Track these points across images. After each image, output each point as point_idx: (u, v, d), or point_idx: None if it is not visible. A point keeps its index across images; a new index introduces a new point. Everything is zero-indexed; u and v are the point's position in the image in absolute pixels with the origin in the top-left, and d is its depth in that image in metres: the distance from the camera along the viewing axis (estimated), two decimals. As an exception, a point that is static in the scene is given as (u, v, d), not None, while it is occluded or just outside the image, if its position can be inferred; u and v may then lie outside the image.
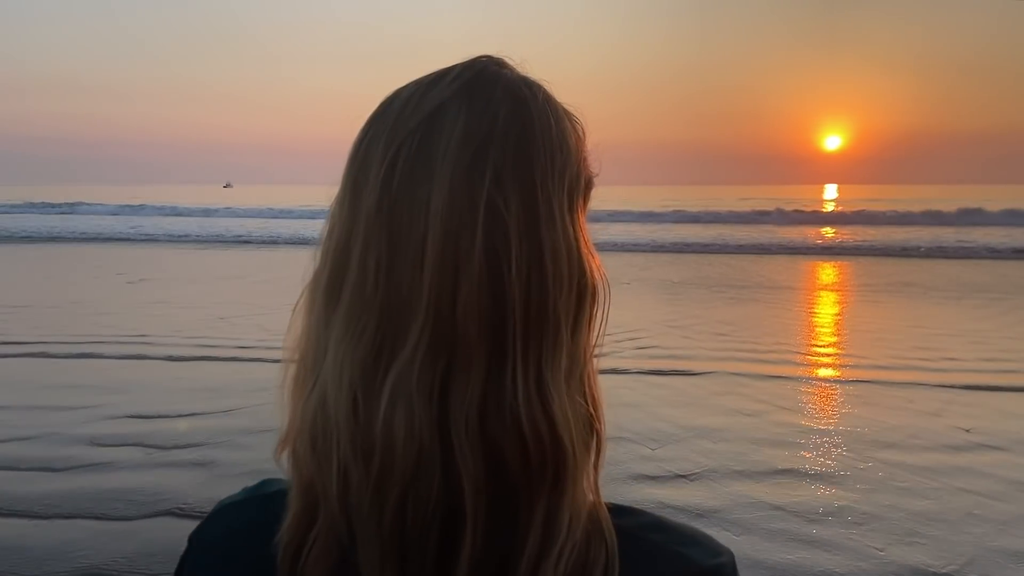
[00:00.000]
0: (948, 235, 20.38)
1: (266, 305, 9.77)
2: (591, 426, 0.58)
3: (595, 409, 0.58)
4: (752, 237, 20.69)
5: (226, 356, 6.94)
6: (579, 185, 0.58)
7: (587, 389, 0.58)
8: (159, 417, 5.17)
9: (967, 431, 4.90)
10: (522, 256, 0.52)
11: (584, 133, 0.62)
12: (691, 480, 4.08)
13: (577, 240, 0.55)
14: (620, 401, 5.49)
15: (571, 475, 0.55)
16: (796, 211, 28.30)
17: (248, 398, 5.50)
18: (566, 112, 0.60)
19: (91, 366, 6.64)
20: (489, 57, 0.60)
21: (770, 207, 30.70)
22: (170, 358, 6.86)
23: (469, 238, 0.51)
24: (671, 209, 29.09)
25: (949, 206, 27.04)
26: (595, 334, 0.59)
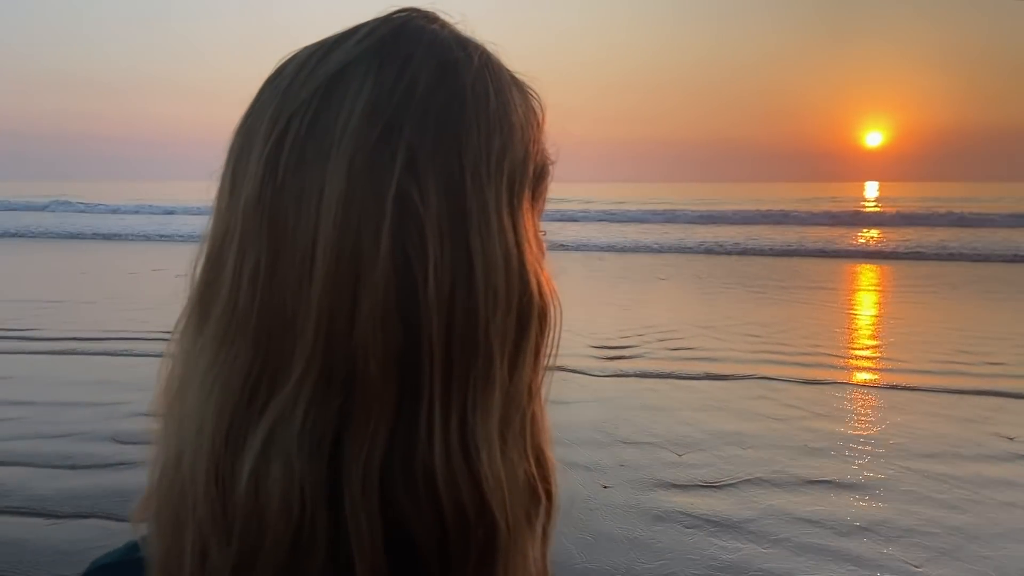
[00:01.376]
0: (994, 235, 19.74)
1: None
2: (534, 491, 0.45)
3: (541, 467, 0.46)
4: (789, 236, 20.28)
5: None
6: (525, 174, 0.46)
7: (530, 441, 0.46)
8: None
9: (1011, 440, 4.66)
10: (443, 265, 0.41)
11: (540, 110, 0.50)
12: (718, 488, 3.93)
13: (519, 245, 0.44)
14: (646, 404, 5.35)
15: (503, 555, 0.43)
16: (838, 211, 27.71)
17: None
18: (513, 81, 0.49)
19: (119, 363, 6.69)
20: (415, 9, 0.48)
21: (810, 206, 30.11)
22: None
23: (372, 241, 0.41)
24: (709, 208, 28.69)
25: (996, 205, 26.20)
26: (542, 368, 0.47)
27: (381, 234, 0.41)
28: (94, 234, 22.18)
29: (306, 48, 0.47)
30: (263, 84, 0.47)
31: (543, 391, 0.48)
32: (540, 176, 0.49)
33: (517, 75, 0.50)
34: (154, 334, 7.70)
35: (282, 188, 0.42)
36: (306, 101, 0.43)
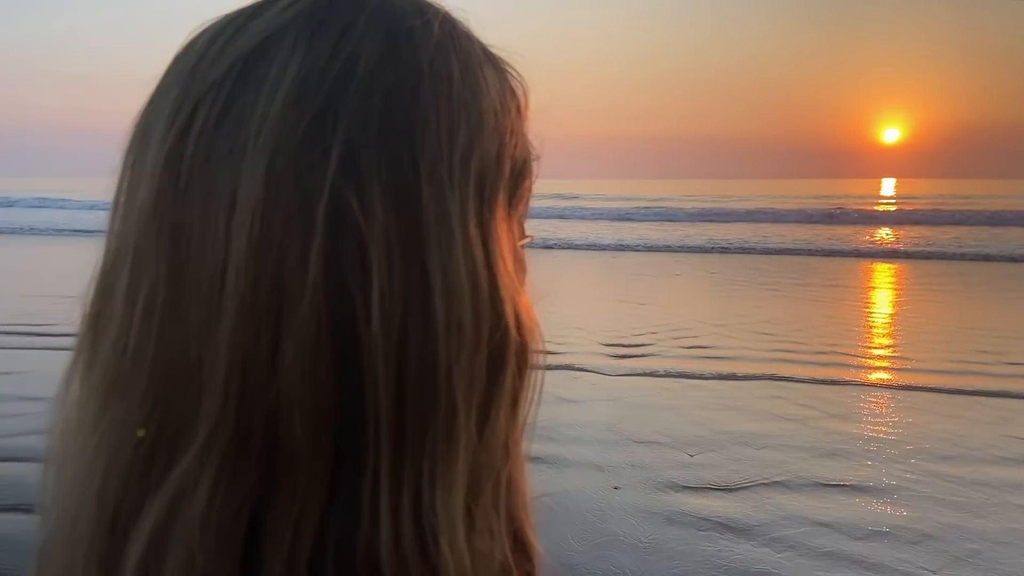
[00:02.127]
0: (1009, 233, 19.47)
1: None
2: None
3: (521, 549, 0.39)
4: (803, 234, 20.11)
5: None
6: (499, 174, 0.38)
7: (505, 516, 0.38)
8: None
9: (1032, 444, 4.57)
10: (391, 295, 0.33)
11: (522, 93, 0.42)
12: (730, 491, 3.87)
13: (491, 266, 0.36)
14: (657, 403, 5.29)
15: None
16: (854, 208, 27.46)
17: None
18: (486, 57, 0.40)
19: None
20: None
21: (826, 204, 29.86)
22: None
23: (298, 264, 0.32)
24: (723, 206, 28.52)
25: (1015, 203, 25.84)
26: (521, 420, 0.39)
27: (310, 255, 0.32)
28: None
29: (225, 16, 0.38)
30: (171, 61, 0.38)
31: (523, 446, 0.39)
32: (519, 176, 0.40)
33: (492, 50, 0.41)
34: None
35: (185, 195, 0.34)
36: (217, 83, 0.35)
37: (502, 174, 0.38)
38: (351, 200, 0.33)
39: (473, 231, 0.36)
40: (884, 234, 20.92)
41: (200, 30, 0.38)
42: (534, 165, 0.45)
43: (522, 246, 0.44)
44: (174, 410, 0.33)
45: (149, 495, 0.33)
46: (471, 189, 0.36)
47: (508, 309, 0.36)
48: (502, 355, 0.36)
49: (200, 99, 0.35)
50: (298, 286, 0.32)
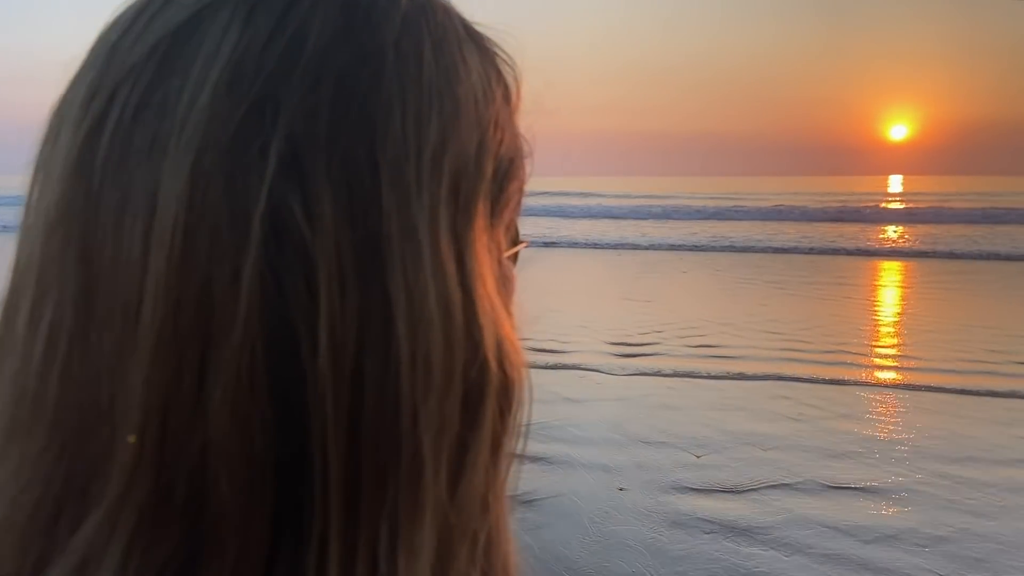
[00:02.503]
0: (1020, 231, 19.31)
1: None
2: None
3: None
4: (810, 232, 20.01)
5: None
6: (479, 175, 0.32)
7: None
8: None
9: (1045, 445, 4.50)
10: (344, 323, 0.28)
11: (513, 79, 0.37)
12: (738, 493, 3.81)
13: (468, 287, 0.31)
14: (663, 403, 5.24)
15: None
16: (862, 205, 27.32)
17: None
18: (468, 34, 0.35)
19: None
20: None
21: (832, 201, 29.72)
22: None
23: (228, 285, 0.27)
24: (726, 204, 28.45)
25: (1022, 201, 25.64)
26: (504, 467, 0.33)
27: (242, 275, 0.27)
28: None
29: None
30: (95, 40, 0.32)
31: (505, 500, 0.33)
32: (505, 177, 0.35)
33: (476, 27, 0.35)
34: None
35: (96, 200, 0.28)
36: (138, 66, 0.29)
37: (483, 175, 0.32)
38: (294, 208, 0.28)
39: (445, 244, 0.30)
40: (892, 232, 20.80)
41: (121, 10, 0.32)
42: (526, 164, 0.39)
43: (509, 259, 0.39)
44: (82, 460, 0.28)
45: (50, 561, 0.27)
46: (444, 193, 0.30)
47: (488, 338, 0.31)
48: (480, 395, 0.31)
49: (118, 84, 0.29)
50: (228, 313, 0.27)
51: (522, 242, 0.48)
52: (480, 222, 0.32)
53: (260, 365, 0.27)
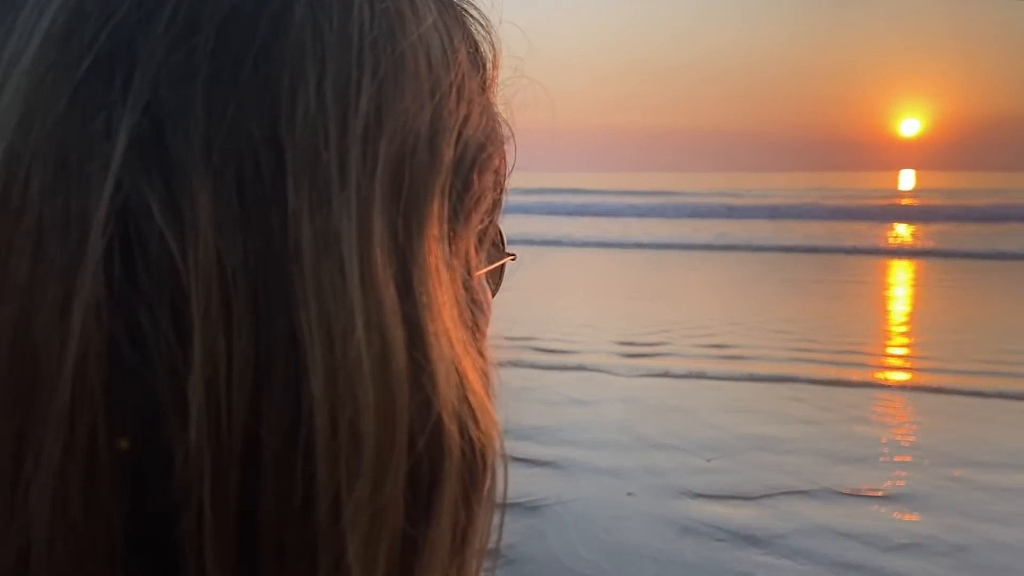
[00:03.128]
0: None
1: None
2: None
3: None
4: (821, 230, 19.87)
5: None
6: (435, 164, 0.24)
7: None
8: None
9: (1066, 448, 4.38)
10: (229, 376, 0.20)
11: (488, 42, 0.29)
12: (749, 498, 3.71)
13: (417, 320, 0.23)
14: (672, 405, 5.14)
15: None
16: (874, 204, 27.13)
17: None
18: None
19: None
20: None
21: (844, 199, 29.53)
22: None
23: (53, 319, 0.19)
24: (735, 202, 28.32)
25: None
26: (473, 566, 0.26)
27: (73, 307, 0.19)
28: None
29: None
30: None
31: None
32: (474, 166, 0.27)
33: None
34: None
35: None
36: None
37: (437, 163, 0.24)
38: (153, 208, 0.20)
39: (381, 260, 0.22)
40: (905, 230, 20.64)
41: None
42: (506, 151, 0.31)
43: (486, 278, 0.30)
44: None
45: None
46: (379, 188, 0.22)
47: (445, 392, 0.23)
48: (434, 474, 0.23)
49: None
50: (52, 364, 0.19)
51: (508, 255, 0.39)
52: (434, 228, 0.24)
53: (101, 442, 0.19)
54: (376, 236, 0.22)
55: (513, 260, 0.38)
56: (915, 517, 3.53)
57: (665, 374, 5.93)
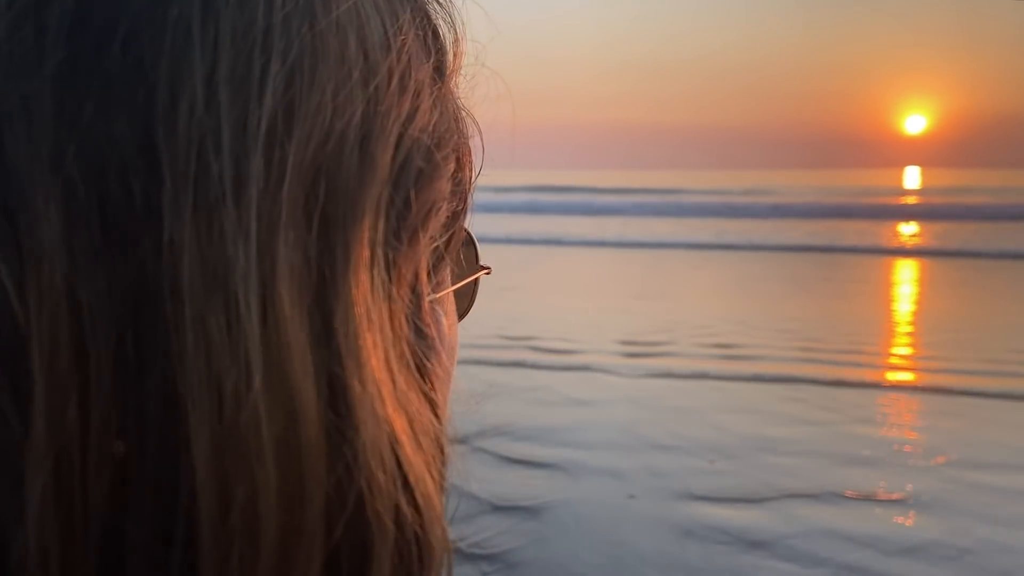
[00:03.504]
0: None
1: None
2: None
3: None
4: (825, 229, 19.78)
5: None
6: (365, 177, 0.20)
7: None
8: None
9: (1073, 450, 4.32)
10: (85, 456, 0.16)
11: (450, 29, 0.26)
12: (752, 501, 3.67)
13: (340, 375, 0.19)
14: (675, 406, 5.09)
15: None
16: (879, 203, 27.03)
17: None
18: None
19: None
20: None
21: (847, 197, 29.42)
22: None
23: None
24: (739, 200, 28.25)
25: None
26: None
27: None
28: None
29: None
30: None
31: None
32: (422, 174, 0.22)
33: None
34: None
35: None
36: None
37: (371, 173, 0.20)
38: None
39: (289, 298, 0.18)
40: (910, 229, 20.54)
41: None
42: (470, 154, 0.27)
43: (446, 304, 0.26)
44: None
45: None
46: (287, 207, 0.18)
47: (372, 463, 0.19)
48: (359, 568, 0.19)
49: None
50: None
51: (481, 269, 0.34)
52: (362, 253, 0.19)
53: None
54: (282, 266, 0.17)
55: (488, 274, 0.33)
56: (920, 520, 3.48)
57: (668, 374, 5.88)
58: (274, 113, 0.18)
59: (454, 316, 0.31)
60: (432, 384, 0.23)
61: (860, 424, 4.75)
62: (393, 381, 0.20)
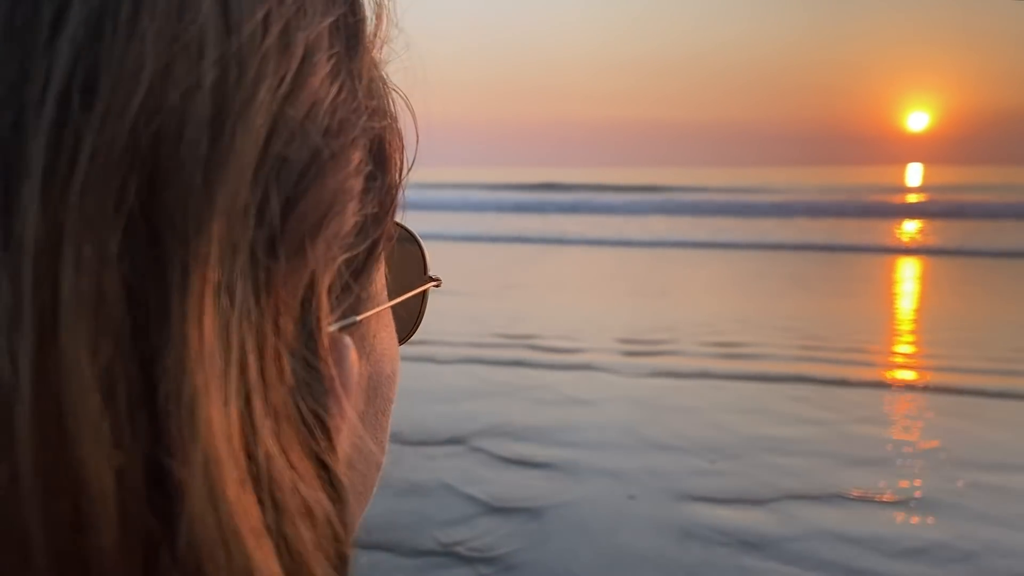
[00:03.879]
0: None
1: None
2: None
3: None
4: (828, 228, 19.73)
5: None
6: (224, 171, 0.14)
7: None
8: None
9: (1079, 450, 4.27)
10: None
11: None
12: (753, 502, 3.62)
13: (168, 457, 0.13)
14: (675, 405, 5.04)
15: None
16: (883, 201, 26.96)
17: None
18: None
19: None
20: None
21: (848, 195, 29.35)
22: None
23: None
24: (740, 199, 28.20)
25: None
26: None
27: None
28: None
29: None
30: None
31: None
32: (308, 171, 0.17)
33: None
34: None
35: None
36: None
37: (224, 164, 0.15)
38: None
39: (77, 337, 0.13)
40: (913, 227, 20.48)
41: None
42: (395, 140, 0.22)
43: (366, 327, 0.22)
44: None
45: None
46: (84, 208, 0.13)
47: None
48: None
49: None
50: None
51: (430, 281, 0.28)
52: (207, 274, 0.14)
53: None
54: (68, 298, 0.12)
55: (437, 287, 0.28)
56: (925, 521, 3.43)
57: (669, 373, 5.84)
58: (69, 73, 0.13)
59: (392, 340, 0.25)
60: (330, 439, 0.18)
61: (864, 424, 4.70)
62: (250, 452, 0.15)
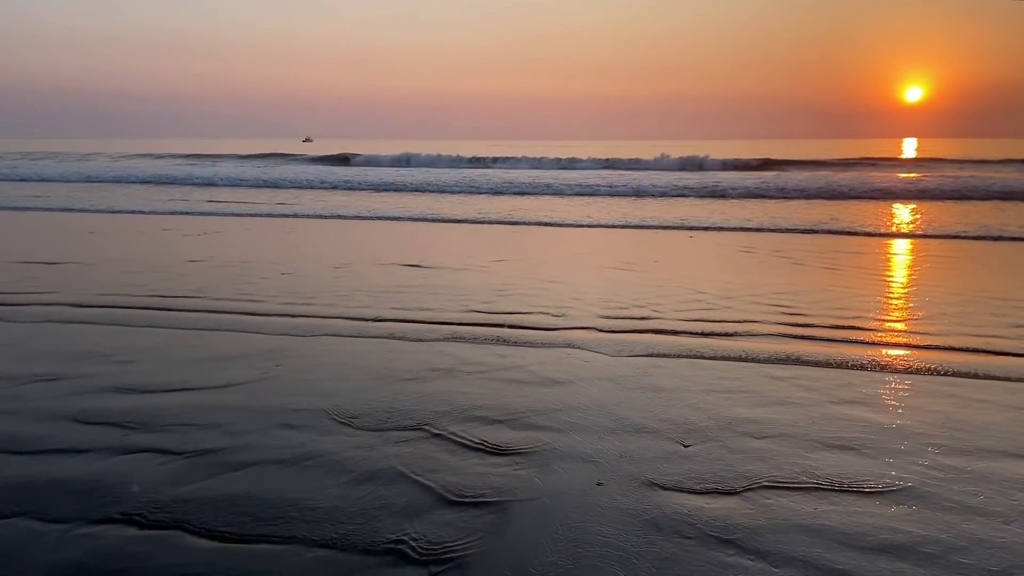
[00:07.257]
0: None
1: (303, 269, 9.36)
2: None
3: None
4: (822, 208, 19.47)
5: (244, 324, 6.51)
6: None
7: None
8: (144, 392, 4.75)
9: (1073, 434, 4.06)
10: None
11: None
12: (725, 491, 3.40)
13: None
14: (652, 385, 4.82)
15: None
16: (878, 178, 26.68)
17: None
18: None
19: (90, 331, 6.30)
20: None
21: (847, 171, 29.06)
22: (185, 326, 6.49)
23: None
24: (732, 182, 27.92)
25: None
26: None
27: None
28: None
29: None
30: None
31: None
32: None
33: None
34: (138, 299, 7.33)
35: None
36: None
37: None
38: None
39: None
40: (906, 207, 20.22)
41: None
42: None
43: None
44: None
45: None
46: None
47: None
48: None
49: None
50: None
51: None
52: None
53: None
54: None
55: None
56: (909, 513, 3.22)
57: (650, 352, 5.61)
58: None
59: None
60: None
61: (847, 405, 4.47)
62: None
